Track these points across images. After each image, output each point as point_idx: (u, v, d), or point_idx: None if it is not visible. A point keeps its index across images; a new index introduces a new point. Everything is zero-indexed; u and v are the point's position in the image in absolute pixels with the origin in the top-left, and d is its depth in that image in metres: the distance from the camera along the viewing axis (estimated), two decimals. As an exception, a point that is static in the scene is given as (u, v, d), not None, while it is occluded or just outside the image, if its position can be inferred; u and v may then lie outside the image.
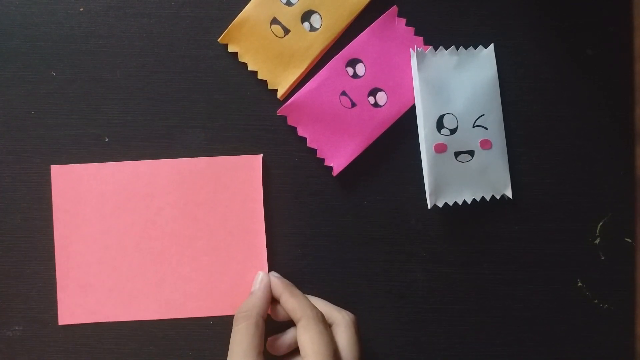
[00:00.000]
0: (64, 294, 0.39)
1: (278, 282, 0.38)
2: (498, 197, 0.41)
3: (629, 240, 0.42)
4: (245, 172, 0.40)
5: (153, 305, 0.39)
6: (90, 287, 0.39)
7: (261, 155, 0.40)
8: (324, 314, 0.36)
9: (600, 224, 0.42)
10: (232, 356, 0.34)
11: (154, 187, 0.40)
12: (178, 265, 0.40)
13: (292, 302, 0.36)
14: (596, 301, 0.42)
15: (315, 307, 0.36)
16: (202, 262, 0.40)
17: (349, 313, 0.37)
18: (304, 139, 0.40)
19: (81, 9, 0.40)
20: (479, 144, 0.40)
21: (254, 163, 0.40)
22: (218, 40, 0.40)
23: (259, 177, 0.40)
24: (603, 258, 0.42)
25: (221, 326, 0.40)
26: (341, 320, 0.36)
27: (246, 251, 0.40)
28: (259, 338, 0.35)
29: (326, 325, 0.35)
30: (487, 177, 0.41)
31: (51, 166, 0.40)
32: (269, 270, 0.40)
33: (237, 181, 0.40)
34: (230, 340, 0.35)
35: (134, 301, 0.39)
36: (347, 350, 0.35)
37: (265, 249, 0.40)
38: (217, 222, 0.40)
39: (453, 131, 0.40)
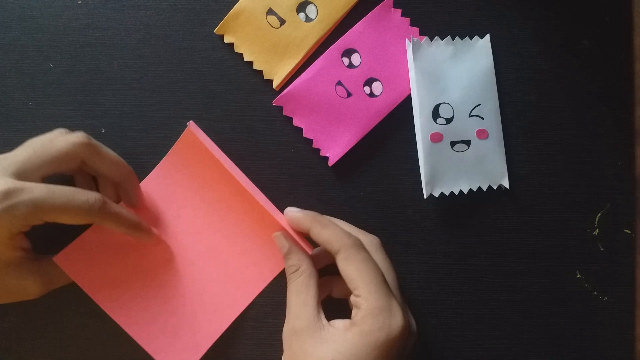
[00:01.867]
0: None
1: (302, 216, 0.35)
2: (495, 188, 0.41)
3: (628, 231, 0.41)
4: (192, 154, 0.39)
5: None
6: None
7: (188, 124, 0.39)
8: None
9: (599, 215, 0.42)
10: (290, 311, 0.33)
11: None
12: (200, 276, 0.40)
13: (325, 234, 0.34)
14: (595, 293, 0.41)
15: (350, 235, 0.34)
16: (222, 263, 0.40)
17: (374, 236, 0.36)
18: (300, 130, 0.40)
19: (79, 2, 0.41)
20: (475, 134, 0.40)
21: (190, 139, 0.39)
22: (214, 31, 0.41)
23: (202, 146, 0.39)
24: (602, 249, 0.41)
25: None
26: (370, 244, 0.35)
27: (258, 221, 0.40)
28: (314, 288, 0.34)
29: (367, 251, 0.33)
30: (483, 167, 0.40)
31: None
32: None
33: (195, 166, 0.40)
34: (287, 299, 0.34)
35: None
36: (386, 274, 0.34)
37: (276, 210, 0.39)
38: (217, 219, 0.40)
39: (449, 120, 0.40)
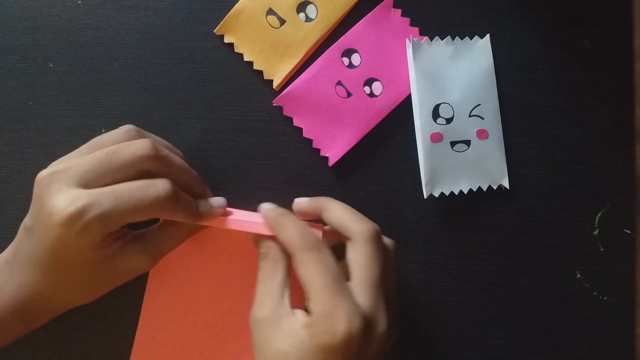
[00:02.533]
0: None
1: (271, 216, 0.34)
2: (495, 188, 0.41)
3: (628, 231, 0.41)
4: None
5: None
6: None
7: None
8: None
9: (599, 214, 0.42)
10: (255, 299, 0.33)
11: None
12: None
13: (282, 235, 0.33)
14: (595, 293, 0.41)
15: (308, 235, 0.33)
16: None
17: (370, 226, 0.33)
18: (300, 130, 0.40)
19: (79, 2, 0.41)
20: (475, 134, 0.40)
21: None
22: (214, 31, 0.41)
23: None
24: (602, 249, 0.41)
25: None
26: (358, 237, 0.33)
27: None
28: (281, 273, 0.33)
29: (322, 252, 0.32)
30: (483, 167, 0.40)
31: None
32: None
33: None
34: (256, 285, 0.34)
35: None
36: (363, 271, 0.32)
37: None
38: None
39: (449, 120, 0.40)
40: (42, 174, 0.32)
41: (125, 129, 0.34)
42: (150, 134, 0.36)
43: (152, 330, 0.39)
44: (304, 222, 0.34)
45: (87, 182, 0.31)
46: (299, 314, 0.31)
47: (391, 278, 0.33)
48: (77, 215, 0.30)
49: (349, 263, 0.32)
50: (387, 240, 0.35)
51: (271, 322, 0.31)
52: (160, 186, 0.32)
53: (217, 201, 0.37)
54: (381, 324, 0.31)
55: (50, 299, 0.34)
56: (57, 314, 0.36)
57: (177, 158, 0.35)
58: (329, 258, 0.32)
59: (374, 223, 0.33)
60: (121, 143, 0.33)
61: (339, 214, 0.34)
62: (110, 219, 0.31)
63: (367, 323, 0.30)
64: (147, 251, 0.34)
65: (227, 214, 0.37)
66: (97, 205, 0.30)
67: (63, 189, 0.31)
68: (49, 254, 0.32)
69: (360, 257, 0.32)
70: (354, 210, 0.34)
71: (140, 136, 0.35)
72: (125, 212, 0.31)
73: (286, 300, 0.32)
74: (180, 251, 0.38)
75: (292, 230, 0.33)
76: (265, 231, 0.35)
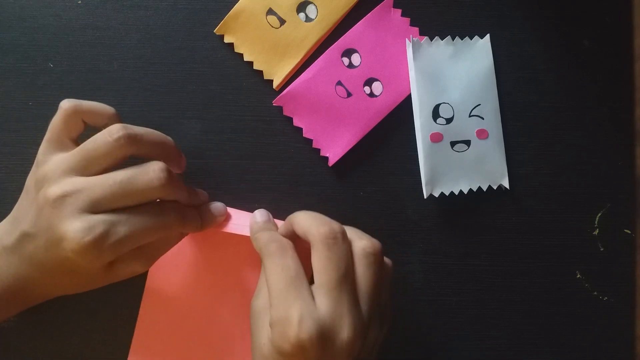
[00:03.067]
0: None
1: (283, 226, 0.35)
2: (495, 188, 0.41)
3: (628, 231, 0.41)
4: None
5: None
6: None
7: None
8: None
9: (599, 215, 0.42)
10: (256, 289, 0.34)
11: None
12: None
13: (255, 240, 0.34)
14: (595, 293, 0.41)
15: (273, 240, 0.33)
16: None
17: (332, 227, 0.31)
18: (300, 130, 0.40)
19: (79, 2, 0.41)
20: (475, 134, 0.40)
21: None
22: (214, 31, 0.41)
23: None
24: (602, 249, 0.41)
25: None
26: (318, 240, 0.31)
27: None
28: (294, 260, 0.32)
29: (278, 256, 0.32)
30: (483, 167, 0.40)
31: None
32: None
33: None
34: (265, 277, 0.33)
35: None
36: (321, 273, 0.30)
37: None
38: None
39: (449, 120, 0.40)
40: (53, 192, 0.32)
41: (116, 136, 0.33)
42: (140, 128, 0.35)
43: (151, 328, 0.39)
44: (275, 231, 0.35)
45: (98, 208, 0.32)
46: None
47: (364, 285, 0.31)
48: (93, 244, 0.31)
49: (313, 268, 0.31)
50: (364, 242, 0.32)
51: (262, 314, 0.32)
52: (172, 216, 0.34)
53: (218, 210, 0.38)
54: (344, 330, 0.29)
55: (46, 293, 0.36)
56: (48, 298, 0.37)
57: (181, 184, 0.36)
58: (289, 262, 0.31)
59: (332, 223, 0.32)
60: (134, 170, 0.33)
61: (302, 221, 0.33)
62: (125, 245, 0.32)
63: (324, 328, 0.29)
64: (143, 257, 0.35)
65: (227, 218, 0.38)
66: (113, 233, 0.31)
67: (75, 215, 0.31)
68: (53, 264, 0.33)
69: (317, 261, 0.31)
70: (319, 215, 0.33)
71: (135, 146, 0.34)
72: (139, 239, 0.32)
73: None
74: (178, 249, 0.39)
75: (260, 240, 0.33)
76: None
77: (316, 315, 0.29)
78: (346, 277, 0.30)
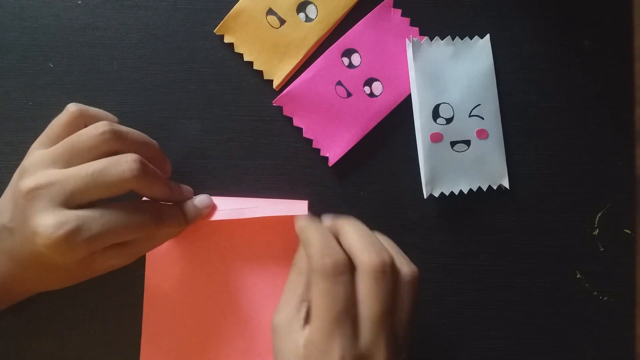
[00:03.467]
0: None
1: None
2: (495, 188, 0.41)
3: (628, 231, 0.41)
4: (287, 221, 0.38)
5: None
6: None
7: (306, 202, 0.38)
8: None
9: (599, 214, 0.42)
10: (279, 304, 0.33)
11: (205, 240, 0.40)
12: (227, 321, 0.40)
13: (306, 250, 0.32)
14: (595, 293, 0.41)
15: (321, 259, 0.31)
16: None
17: (376, 258, 0.30)
18: (300, 130, 0.40)
19: (79, 2, 0.41)
20: (475, 134, 0.40)
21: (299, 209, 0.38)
22: (214, 31, 0.41)
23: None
24: (602, 249, 0.41)
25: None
26: (362, 270, 0.30)
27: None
28: (302, 287, 0.32)
29: (329, 281, 0.30)
30: (483, 167, 0.40)
31: None
32: None
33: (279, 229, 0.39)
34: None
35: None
36: (363, 306, 0.30)
37: None
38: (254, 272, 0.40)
39: (449, 120, 0.40)
40: (25, 185, 0.31)
41: (101, 130, 0.33)
42: (126, 128, 0.35)
43: (157, 325, 0.39)
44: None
45: (72, 202, 0.31)
46: (308, 331, 0.31)
47: (402, 313, 0.31)
48: (64, 240, 0.30)
49: (357, 293, 0.31)
50: (406, 269, 0.32)
51: (284, 331, 0.31)
52: (147, 215, 0.33)
53: (203, 202, 0.37)
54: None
55: (27, 288, 0.36)
56: (31, 294, 0.37)
57: (159, 174, 0.35)
58: (340, 289, 0.30)
59: (383, 252, 0.31)
60: (107, 161, 0.32)
61: (350, 239, 0.32)
62: (98, 242, 0.31)
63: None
64: (121, 254, 0.34)
65: (213, 208, 0.38)
66: (86, 230, 0.31)
67: (48, 209, 0.31)
68: (29, 259, 0.32)
69: (362, 291, 0.30)
70: (368, 234, 0.32)
71: (119, 142, 0.34)
72: (112, 237, 0.32)
73: (302, 315, 0.31)
74: (172, 243, 0.39)
75: (314, 247, 0.31)
76: (254, 215, 0.35)
77: (356, 352, 0.29)
78: (389, 309, 0.30)
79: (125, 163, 0.32)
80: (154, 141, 0.37)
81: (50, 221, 0.30)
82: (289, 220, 0.36)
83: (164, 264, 0.40)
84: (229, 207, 0.38)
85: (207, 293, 0.40)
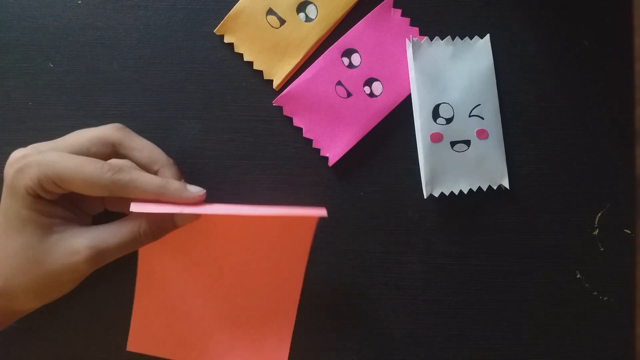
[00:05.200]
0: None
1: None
2: (495, 188, 0.41)
3: (628, 231, 0.41)
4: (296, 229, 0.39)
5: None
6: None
7: (317, 217, 0.37)
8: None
9: (599, 215, 0.42)
10: None
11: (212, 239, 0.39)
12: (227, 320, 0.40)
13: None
14: (595, 293, 0.41)
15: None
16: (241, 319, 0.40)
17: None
18: (300, 130, 0.40)
19: (79, 2, 0.41)
20: (475, 134, 0.40)
21: (309, 222, 0.38)
22: (214, 31, 0.41)
23: (309, 237, 0.38)
24: (602, 249, 0.41)
25: None
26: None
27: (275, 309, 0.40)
28: None
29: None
30: (483, 167, 0.40)
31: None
32: None
33: (287, 236, 0.39)
34: None
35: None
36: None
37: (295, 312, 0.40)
38: (261, 276, 0.40)
39: (449, 120, 0.40)
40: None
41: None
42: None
43: (147, 315, 0.39)
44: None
45: (54, 150, 0.33)
46: None
47: None
48: (22, 156, 0.33)
49: None
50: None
51: None
52: (105, 163, 0.33)
53: (195, 187, 0.35)
54: None
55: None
56: (8, 318, 0.35)
57: (144, 140, 0.36)
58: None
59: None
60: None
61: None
62: (49, 169, 0.32)
63: None
64: (86, 237, 0.34)
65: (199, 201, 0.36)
66: (43, 154, 0.32)
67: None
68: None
69: None
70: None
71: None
72: (65, 170, 0.32)
73: None
74: (168, 244, 0.38)
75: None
76: (243, 212, 0.35)
77: None
78: None
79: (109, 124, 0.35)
80: (167, 187, 0.34)
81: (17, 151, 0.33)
82: (294, 221, 0.37)
83: (158, 248, 0.39)
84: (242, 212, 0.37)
85: (201, 282, 0.39)
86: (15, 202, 0.33)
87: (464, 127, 0.40)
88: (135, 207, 0.33)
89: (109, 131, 0.35)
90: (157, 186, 0.34)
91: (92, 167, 0.32)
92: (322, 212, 0.36)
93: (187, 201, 0.34)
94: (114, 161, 0.36)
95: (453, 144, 0.40)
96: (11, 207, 0.33)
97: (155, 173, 0.35)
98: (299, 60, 0.40)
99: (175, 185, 0.34)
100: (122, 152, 0.35)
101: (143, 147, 0.35)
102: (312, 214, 0.36)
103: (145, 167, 0.35)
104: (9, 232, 0.33)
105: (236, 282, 0.39)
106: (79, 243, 0.33)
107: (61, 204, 0.34)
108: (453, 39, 0.41)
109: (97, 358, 0.40)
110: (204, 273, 0.39)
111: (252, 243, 0.39)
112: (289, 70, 0.40)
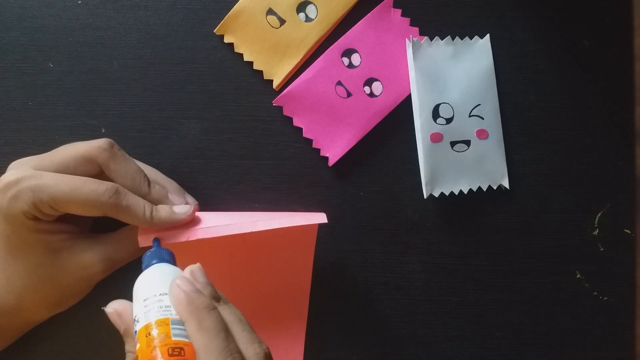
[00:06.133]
0: None
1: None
2: (495, 188, 0.41)
3: (628, 231, 0.41)
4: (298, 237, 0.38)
5: None
6: None
7: (317, 224, 0.37)
8: None
9: (599, 215, 0.42)
10: None
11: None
12: None
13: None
14: (595, 293, 0.41)
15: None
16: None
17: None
18: (300, 130, 0.40)
19: (79, 2, 0.41)
20: (475, 134, 0.40)
21: (310, 230, 0.38)
22: (214, 31, 0.41)
23: (312, 243, 0.38)
24: (602, 249, 0.41)
25: None
26: None
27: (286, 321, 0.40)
28: None
29: None
30: (483, 167, 0.40)
31: None
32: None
33: (290, 244, 0.39)
34: None
35: None
36: None
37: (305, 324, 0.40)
38: (267, 284, 0.39)
39: (449, 120, 0.40)
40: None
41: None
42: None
43: None
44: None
45: (40, 167, 0.33)
46: None
47: None
48: (16, 181, 0.31)
49: None
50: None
51: None
52: (102, 184, 0.32)
53: (181, 209, 0.35)
54: None
55: (8, 311, 0.34)
56: (22, 330, 0.36)
57: (132, 163, 0.35)
58: None
59: (263, 344, 0.28)
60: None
61: (234, 331, 0.29)
62: (44, 194, 0.31)
63: None
64: (97, 250, 0.34)
65: (195, 221, 0.35)
66: (37, 177, 0.31)
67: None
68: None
69: None
70: (244, 321, 0.29)
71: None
72: (60, 194, 0.31)
73: None
74: (177, 255, 0.38)
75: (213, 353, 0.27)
76: (242, 230, 0.34)
77: None
78: None
79: (97, 140, 0.34)
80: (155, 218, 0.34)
81: (9, 174, 0.32)
82: (295, 230, 0.36)
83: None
84: (242, 221, 0.36)
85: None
86: (17, 227, 0.32)
87: (464, 127, 0.40)
88: (143, 243, 0.33)
89: (95, 152, 0.34)
90: (148, 217, 0.33)
91: (87, 190, 0.32)
92: (322, 218, 0.36)
93: (179, 224, 0.34)
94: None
95: (453, 144, 0.40)
96: (14, 232, 0.33)
97: (147, 193, 0.35)
98: (299, 60, 0.40)
99: (163, 213, 0.34)
100: (106, 174, 0.34)
101: (127, 173, 0.34)
102: (312, 222, 0.36)
103: (131, 191, 0.34)
104: (15, 254, 0.33)
105: (244, 291, 0.39)
106: (91, 257, 0.34)
107: (62, 219, 0.34)
108: (453, 39, 0.41)
109: (99, 358, 0.40)
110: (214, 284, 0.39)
111: (256, 253, 0.39)
112: (289, 70, 0.40)
